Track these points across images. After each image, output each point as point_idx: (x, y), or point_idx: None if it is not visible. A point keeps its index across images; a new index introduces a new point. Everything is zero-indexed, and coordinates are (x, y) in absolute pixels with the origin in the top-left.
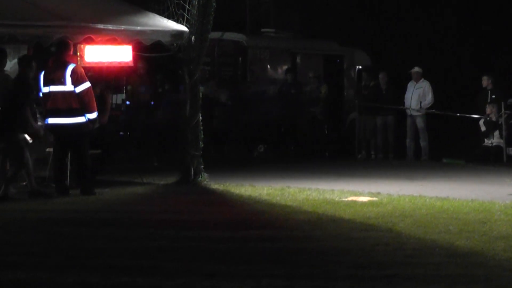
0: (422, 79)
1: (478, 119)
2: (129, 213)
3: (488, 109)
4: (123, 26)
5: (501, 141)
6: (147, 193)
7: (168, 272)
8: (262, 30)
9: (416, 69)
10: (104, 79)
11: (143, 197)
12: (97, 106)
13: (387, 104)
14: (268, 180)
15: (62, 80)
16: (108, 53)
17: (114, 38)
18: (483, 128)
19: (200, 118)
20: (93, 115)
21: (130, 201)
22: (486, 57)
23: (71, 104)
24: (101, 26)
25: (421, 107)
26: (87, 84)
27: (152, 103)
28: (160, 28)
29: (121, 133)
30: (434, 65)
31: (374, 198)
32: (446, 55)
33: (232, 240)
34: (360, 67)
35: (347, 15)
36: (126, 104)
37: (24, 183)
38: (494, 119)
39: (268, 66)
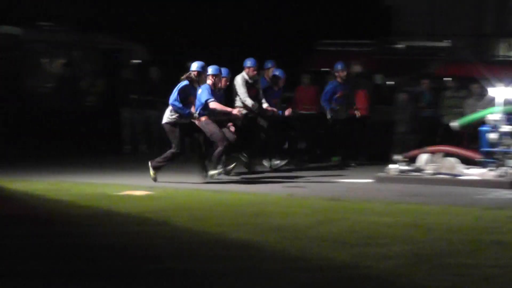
0: None
1: None
2: None
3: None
4: None
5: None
6: None
7: None
8: (39, 23)
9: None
10: None
11: None
12: None
13: (161, 98)
14: (43, 175)
15: None
16: None
17: None
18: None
19: None
20: None
21: None
22: (266, 52)
23: None
24: None
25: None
26: None
27: None
28: None
29: None
30: (216, 59)
31: (150, 192)
32: (228, 49)
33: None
34: (138, 61)
35: (131, 8)
36: None
37: None
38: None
39: (45, 60)
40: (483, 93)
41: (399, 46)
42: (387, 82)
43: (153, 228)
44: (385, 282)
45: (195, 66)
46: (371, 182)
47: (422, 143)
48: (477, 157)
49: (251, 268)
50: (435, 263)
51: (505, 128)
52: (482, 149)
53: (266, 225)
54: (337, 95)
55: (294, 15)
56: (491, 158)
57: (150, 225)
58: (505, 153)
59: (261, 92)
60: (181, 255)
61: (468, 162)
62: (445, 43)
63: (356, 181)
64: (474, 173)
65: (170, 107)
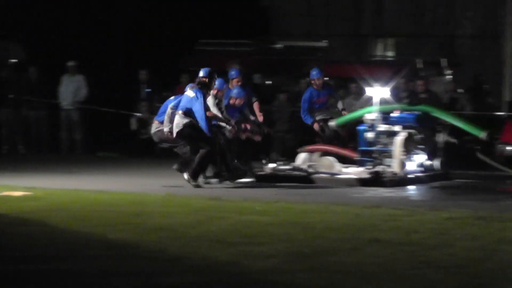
0: (78, 73)
1: (130, 115)
2: None
3: (143, 105)
4: None
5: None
6: None
7: None
8: None
9: (71, 63)
10: None
11: None
12: None
13: (39, 98)
14: None
15: None
16: None
17: None
18: (134, 126)
19: None
20: None
21: None
22: (145, 51)
23: None
24: None
25: (75, 101)
26: None
27: None
28: None
29: None
30: (92, 59)
31: (29, 193)
32: (104, 48)
33: None
34: (15, 60)
35: (7, 6)
36: None
37: None
38: (146, 115)
39: None
40: (361, 92)
41: (277, 46)
42: (266, 82)
43: (32, 228)
44: (265, 280)
45: (203, 72)
46: (251, 181)
47: (300, 142)
48: (355, 156)
49: (131, 268)
50: (315, 261)
51: (382, 127)
52: (359, 148)
53: (146, 225)
54: (315, 100)
55: (173, 13)
56: (368, 157)
57: (30, 225)
58: (382, 152)
59: (224, 111)
60: (61, 255)
61: (345, 161)
62: (322, 43)
63: (236, 181)
64: (352, 171)
65: (179, 116)
